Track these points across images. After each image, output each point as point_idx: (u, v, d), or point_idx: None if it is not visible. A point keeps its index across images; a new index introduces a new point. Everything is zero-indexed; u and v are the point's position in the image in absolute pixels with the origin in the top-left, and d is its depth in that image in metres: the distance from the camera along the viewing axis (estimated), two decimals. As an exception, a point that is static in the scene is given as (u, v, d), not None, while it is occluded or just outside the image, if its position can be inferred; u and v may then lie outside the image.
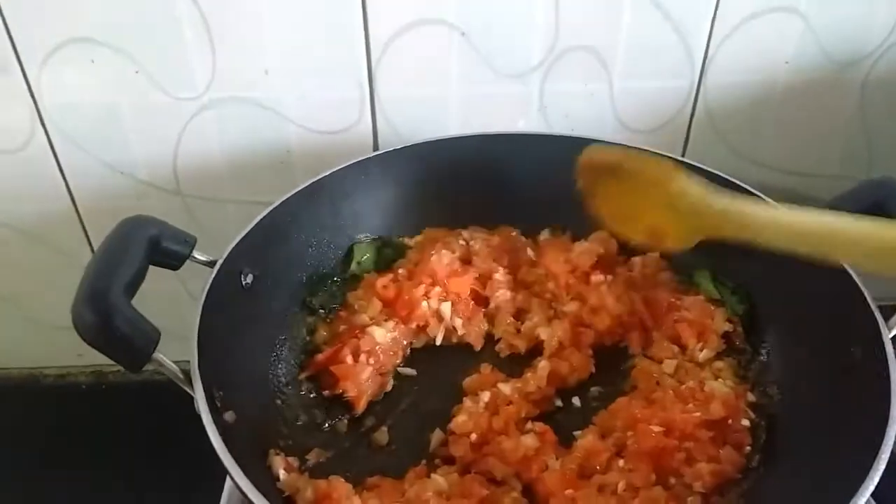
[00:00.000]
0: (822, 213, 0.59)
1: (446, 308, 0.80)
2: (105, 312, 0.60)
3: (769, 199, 0.71)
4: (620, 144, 0.83)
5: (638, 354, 0.79)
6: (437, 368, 0.80)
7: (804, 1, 0.87)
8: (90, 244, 1.02)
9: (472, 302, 0.83)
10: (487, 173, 0.90)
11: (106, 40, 0.86)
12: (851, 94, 0.94)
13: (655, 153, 0.74)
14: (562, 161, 0.88)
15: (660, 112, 0.95)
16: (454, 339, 0.82)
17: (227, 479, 0.58)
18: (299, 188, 0.82)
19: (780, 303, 0.78)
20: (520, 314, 0.83)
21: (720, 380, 0.74)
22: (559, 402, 0.76)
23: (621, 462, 0.67)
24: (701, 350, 0.77)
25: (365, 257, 0.88)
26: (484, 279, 0.84)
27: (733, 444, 0.68)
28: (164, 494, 0.98)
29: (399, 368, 0.80)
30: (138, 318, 0.61)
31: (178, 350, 0.64)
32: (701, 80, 0.92)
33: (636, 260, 0.86)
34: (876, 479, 0.54)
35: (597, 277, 0.83)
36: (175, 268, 0.72)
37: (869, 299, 0.67)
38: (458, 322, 0.81)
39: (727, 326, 0.78)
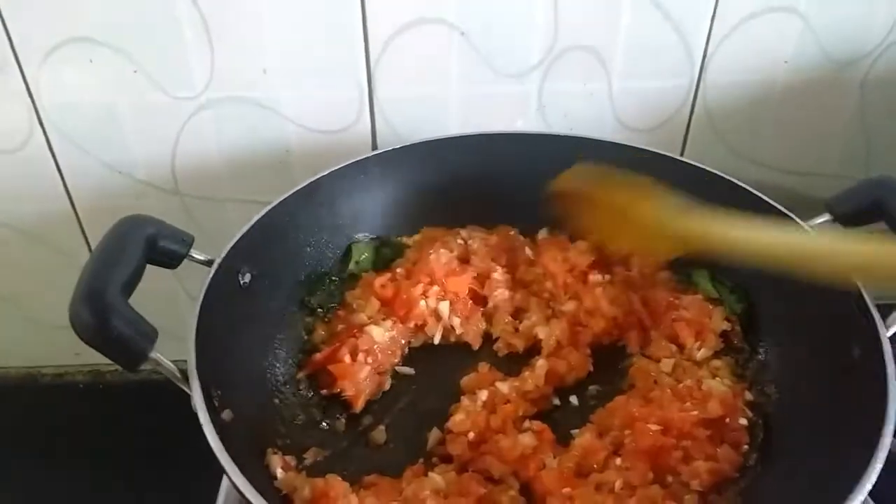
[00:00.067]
0: (793, 231, 0.60)
1: (444, 307, 0.80)
2: (102, 312, 0.60)
3: (747, 216, 0.72)
4: (589, 170, 0.80)
5: (636, 353, 0.79)
6: (436, 367, 0.80)
7: (803, 1, 0.87)
8: (88, 244, 1.02)
9: (471, 301, 0.83)
10: (486, 173, 0.90)
11: (105, 40, 0.86)
12: (850, 93, 0.94)
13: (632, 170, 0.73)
14: (561, 161, 0.88)
15: (659, 111, 0.95)
16: (452, 339, 0.81)
17: (224, 477, 0.58)
18: (298, 188, 0.82)
19: (778, 302, 0.78)
20: (518, 313, 0.83)
21: (718, 379, 0.73)
22: (557, 401, 0.76)
23: (619, 460, 0.67)
24: (699, 349, 0.77)
25: (363, 257, 0.88)
26: (482, 278, 0.84)
27: (731, 443, 0.68)
28: (161, 493, 0.98)
29: (397, 367, 0.80)
30: (136, 317, 0.61)
31: (175, 349, 0.64)
32: (700, 80, 0.92)
33: (635, 259, 0.86)
34: (873, 478, 0.54)
35: (594, 277, 0.83)
36: (173, 267, 0.72)
37: (867, 298, 0.67)
38: (457, 321, 0.81)
39: (725, 325, 0.78)
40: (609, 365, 0.79)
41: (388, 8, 0.86)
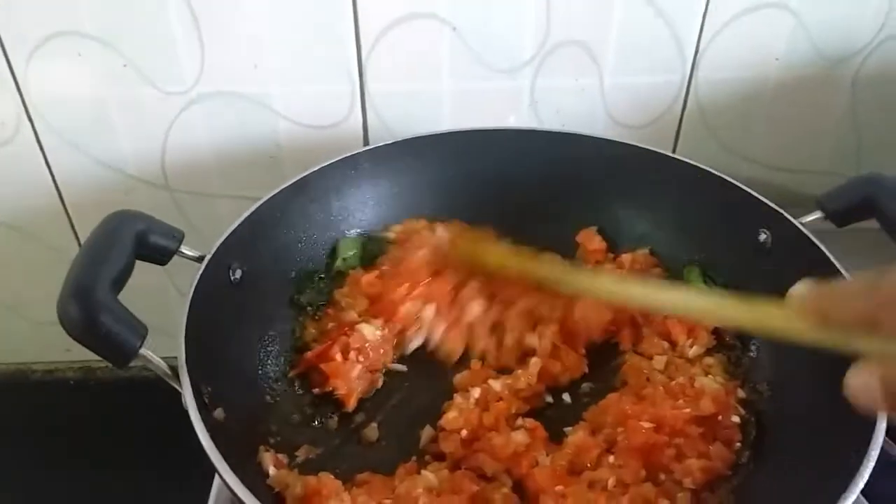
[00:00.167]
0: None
1: (429, 312, 0.78)
2: (91, 308, 0.59)
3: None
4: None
5: (628, 351, 0.79)
6: (428, 364, 0.79)
7: (795, -3, 0.87)
8: (78, 239, 1.01)
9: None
10: (478, 169, 0.90)
11: (94, 33, 0.85)
12: (842, 90, 0.94)
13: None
14: (553, 157, 0.89)
15: (651, 107, 0.95)
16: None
17: (216, 475, 0.57)
18: (288, 183, 0.81)
19: (768, 289, 0.77)
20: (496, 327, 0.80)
21: (710, 376, 0.73)
22: (549, 399, 0.76)
23: (611, 458, 0.67)
24: (691, 346, 0.77)
25: (350, 253, 0.87)
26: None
27: (723, 441, 0.68)
28: (154, 490, 0.97)
29: (389, 365, 0.79)
30: (125, 313, 0.61)
31: (166, 346, 0.64)
32: (692, 76, 0.92)
33: (626, 257, 0.86)
34: (865, 476, 0.54)
35: None
36: (162, 263, 0.71)
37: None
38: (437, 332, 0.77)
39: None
40: (601, 362, 0.78)
41: (380, 3, 0.85)
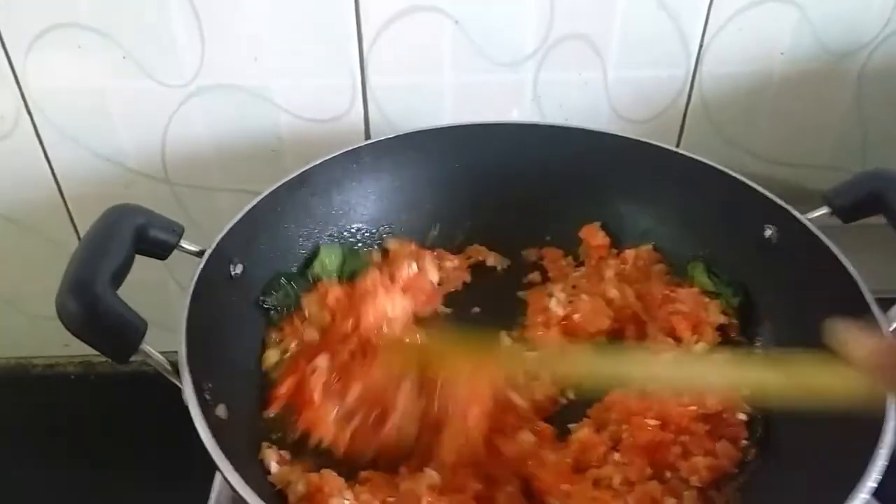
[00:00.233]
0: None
1: None
2: (90, 303, 0.59)
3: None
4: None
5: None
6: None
7: (800, -9, 0.86)
8: (77, 233, 1.00)
9: None
10: (480, 163, 0.89)
11: (93, 25, 0.84)
12: (847, 84, 0.94)
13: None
14: (556, 151, 0.88)
15: (655, 102, 0.94)
16: None
17: (217, 472, 0.57)
18: (289, 177, 0.81)
19: (775, 295, 0.77)
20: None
21: (716, 373, 0.73)
22: (564, 400, 0.75)
23: (617, 456, 0.67)
24: (696, 343, 0.76)
25: (327, 261, 0.84)
26: None
27: (729, 438, 0.68)
28: (155, 485, 0.97)
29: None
30: (124, 308, 0.60)
31: (166, 340, 0.63)
32: (696, 70, 0.92)
33: (629, 253, 0.85)
34: (875, 476, 0.53)
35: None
36: (162, 257, 0.70)
37: (866, 292, 0.66)
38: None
39: (722, 319, 0.77)
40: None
41: (382, -5, 0.85)
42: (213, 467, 0.56)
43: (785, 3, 0.87)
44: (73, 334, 0.59)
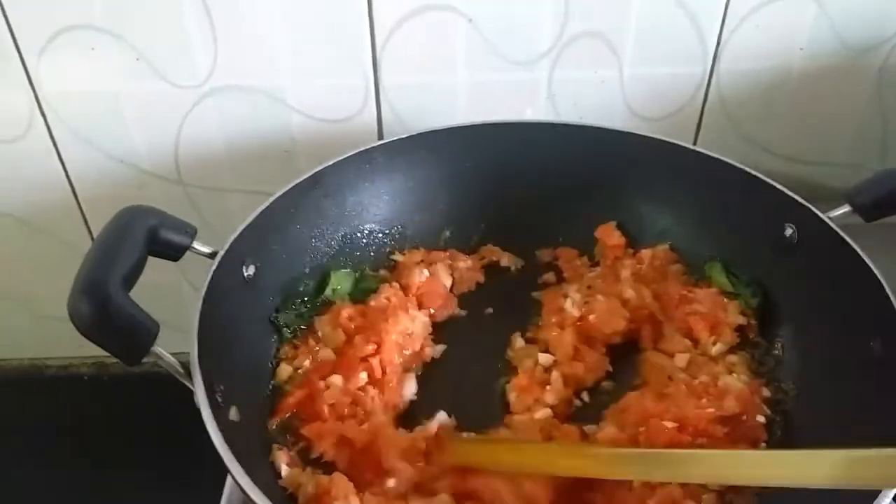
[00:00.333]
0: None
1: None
2: (102, 304, 0.59)
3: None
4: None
5: (649, 348, 0.77)
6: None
7: (819, -14, 0.85)
8: (91, 234, 1.01)
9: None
10: (494, 163, 0.89)
11: (106, 27, 0.85)
12: (868, 80, 0.92)
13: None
14: (571, 150, 0.87)
15: (671, 99, 0.93)
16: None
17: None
18: (302, 178, 0.80)
19: (795, 295, 0.76)
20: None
21: (734, 374, 0.72)
22: (578, 402, 0.74)
23: None
24: (714, 344, 0.75)
25: (340, 286, 0.83)
26: None
27: (748, 441, 0.67)
28: (166, 487, 0.97)
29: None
30: (136, 310, 0.60)
31: (180, 341, 0.63)
32: (714, 67, 0.90)
33: (645, 252, 0.84)
34: (897, 479, 0.52)
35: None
36: (175, 259, 0.70)
37: (888, 291, 0.65)
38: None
39: (741, 319, 0.76)
40: (621, 360, 0.77)
41: (394, -6, 0.84)
42: (224, 469, 0.56)
43: (803, -1, 0.86)
44: (85, 336, 0.59)
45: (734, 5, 0.86)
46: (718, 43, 0.89)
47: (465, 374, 0.77)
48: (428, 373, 0.77)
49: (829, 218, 0.72)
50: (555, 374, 0.73)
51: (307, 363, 0.75)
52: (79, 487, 0.99)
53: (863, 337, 0.65)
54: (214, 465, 0.56)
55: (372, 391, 0.71)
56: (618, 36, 0.88)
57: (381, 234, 0.88)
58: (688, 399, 0.68)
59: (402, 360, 0.75)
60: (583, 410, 0.73)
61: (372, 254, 0.88)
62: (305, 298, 0.81)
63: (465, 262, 0.87)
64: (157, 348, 0.61)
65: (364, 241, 0.87)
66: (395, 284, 0.82)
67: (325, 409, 0.69)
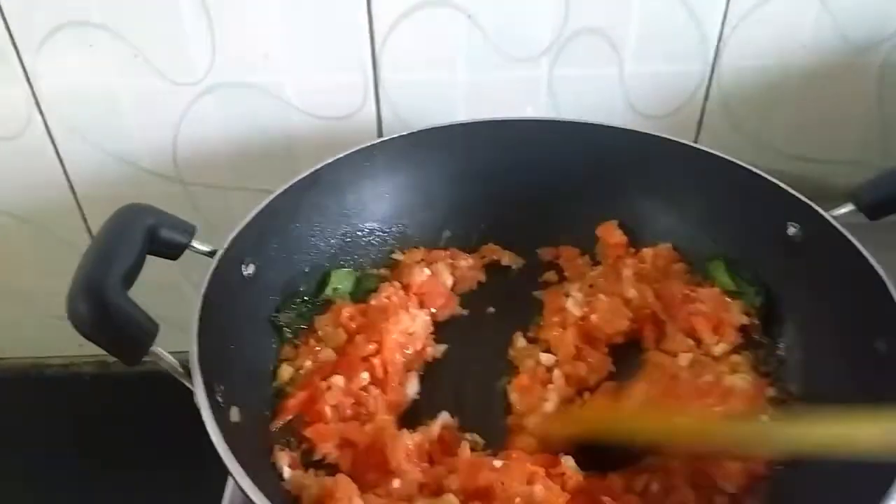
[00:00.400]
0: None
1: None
2: (100, 304, 0.58)
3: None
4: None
5: (651, 348, 0.77)
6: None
7: (821, -18, 0.85)
8: (90, 232, 1.01)
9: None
10: (494, 160, 0.88)
11: (104, 24, 0.84)
12: (870, 78, 0.92)
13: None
14: (571, 148, 0.87)
15: (672, 97, 0.93)
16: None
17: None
18: (301, 176, 0.80)
19: (798, 294, 0.76)
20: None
21: (738, 374, 0.71)
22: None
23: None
24: (717, 343, 0.74)
25: (341, 286, 0.83)
26: None
27: None
28: (168, 487, 0.97)
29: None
30: (135, 310, 0.60)
31: (180, 340, 0.62)
32: (715, 64, 0.90)
33: (647, 251, 0.84)
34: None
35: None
36: (174, 258, 0.70)
37: (892, 290, 0.64)
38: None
39: (744, 319, 0.76)
40: (623, 360, 0.76)
41: (394, -10, 0.84)
42: (226, 471, 0.55)
43: (805, -5, 0.85)
44: (84, 336, 0.58)
45: (735, 2, 0.86)
46: (720, 40, 0.88)
47: (467, 374, 0.77)
48: (429, 372, 0.77)
49: (833, 217, 0.72)
50: (557, 374, 0.73)
51: (308, 363, 0.74)
52: (79, 486, 0.99)
53: (867, 336, 0.65)
54: (218, 465, 0.56)
55: (374, 391, 0.71)
56: (618, 33, 0.88)
57: (381, 233, 0.88)
58: (692, 399, 0.68)
59: (403, 359, 0.75)
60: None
61: (372, 253, 0.87)
62: (306, 297, 0.81)
63: (466, 261, 0.87)
64: (157, 348, 0.60)
65: (365, 239, 0.87)
66: (396, 283, 0.82)
67: (328, 411, 0.68)
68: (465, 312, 0.83)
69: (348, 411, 0.69)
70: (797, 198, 0.75)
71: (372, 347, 0.73)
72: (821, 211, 0.73)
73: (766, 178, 0.77)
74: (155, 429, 1.04)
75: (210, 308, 0.65)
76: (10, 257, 1.03)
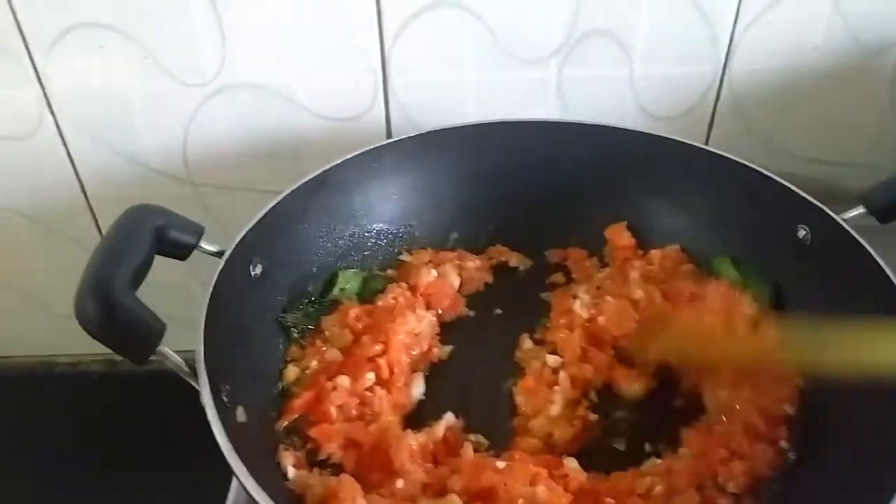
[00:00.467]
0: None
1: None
2: (108, 304, 0.58)
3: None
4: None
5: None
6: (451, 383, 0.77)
7: (833, -16, 0.84)
8: (100, 232, 1.01)
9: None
10: (503, 162, 0.88)
11: (114, 25, 0.85)
12: (882, 80, 0.91)
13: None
14: (581, 149, 0.86)
15: (683, 99, 0.92)
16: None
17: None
18: (310, 177, 0.80)
19: (808, 297, 0.75)
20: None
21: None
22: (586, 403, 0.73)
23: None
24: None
25: (348, 286, 0.83)
26: None
27: (767, 440, 0.66)
28: (174, 486, 0.97)
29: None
30: (142, 310, 0.60)
31: (188, 339, 0.62)
32: (726, 66, 0.90)
33: (655, 253, 0.83)
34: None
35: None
36: (182, 258, 0.70)
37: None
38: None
39: (754, 310, 0.74)
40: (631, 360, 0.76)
41: (403, -8, 0.84)
42: (230, 470, 0.56)
43: (817, -3, 0.85)
44: (92, 336, 0.59)
45: (747, 3, 0.85)
46: (731, 41, 0.88)
47: (473, 375, 0.77)
48: (435, 373, 0.77)
49: (844, 219, 0.71)
50: (562, 376, 0.73)
51: (314, 364, 0.74)
52: (87, 485, 0.99)
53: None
54: (221, 465, 0.56)
55: (380, 392, 0.71)
56: (628, 34, 0.87)
57: (389, 234, 0.88)
58: None
59: (409, 360, 0.75)
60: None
61: (380, 253, 0.87)
62: (313, 298, 0.81)
63: (473, 263, 0.87)
64: (163, 348, 0.61)
65: (372, 240, 0.87)
66: (403, 284, 0.82)
67: (333, 411, 0.69)
68: (471, 314, 0.83)
69: (353, 411, 0.69)
70: (807, 200, 0.74)
71: (378, 348, 0.73)
72: (831, 213, 0.72)
73: (776, 180, 0.77)
74: (162, 428, 1.04)
75: (217, 308, 0.66)
76: (20, 257, 1.04)
